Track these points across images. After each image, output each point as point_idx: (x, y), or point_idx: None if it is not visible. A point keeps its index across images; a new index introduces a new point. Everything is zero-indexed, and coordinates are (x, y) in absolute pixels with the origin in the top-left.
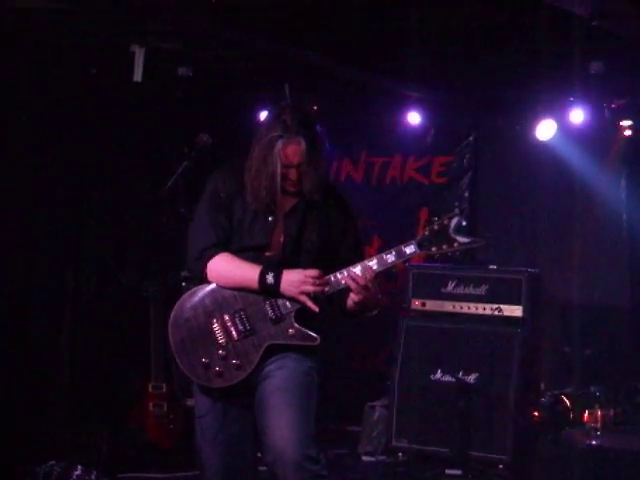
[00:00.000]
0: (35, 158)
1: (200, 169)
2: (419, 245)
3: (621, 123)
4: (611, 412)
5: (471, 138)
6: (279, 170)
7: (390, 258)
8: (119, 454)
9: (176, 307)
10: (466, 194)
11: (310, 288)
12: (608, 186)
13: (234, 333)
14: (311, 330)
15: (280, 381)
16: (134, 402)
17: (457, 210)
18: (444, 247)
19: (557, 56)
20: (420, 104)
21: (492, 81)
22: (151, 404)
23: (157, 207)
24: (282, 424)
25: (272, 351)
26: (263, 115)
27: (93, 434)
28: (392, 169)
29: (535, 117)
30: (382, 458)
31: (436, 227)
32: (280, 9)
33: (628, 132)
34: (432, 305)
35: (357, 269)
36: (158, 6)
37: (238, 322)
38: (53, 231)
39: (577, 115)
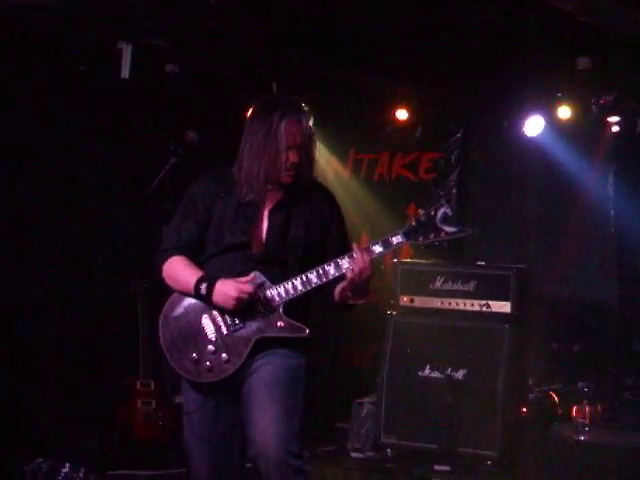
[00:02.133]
0: (21, 155)
1: (187, 166)
2: (406, 235)
3: (608, 119)
4: (599, 408)
5: (459, 134)
6: (284, 148)
7: (377, 249)
8: (107, 451)
9: (166, 305)
10: (454, 190)
11: (241, 301)
12: (596, 182)
13: (223, 328)
14: (300, 322)
15: (266, 377)
16: (122, 399)
17: (443, 201)
18: (431, 237)
19: (544, 52)
20: (408, 101)
21: (480, 77)
22: (139, 401)
23: (144, 204)
24: (265, 420)
25: (261, 346)
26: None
27: (81, 431)
28: (380, 166)
29: (523, 113)
30: (371, 454)
31: (423, 218)
32: (268, 8)
33: (615, 128)
34: (420, 301)
35: (335, 265)
36: (146, 3)
37: (227, 317)
38: (41, 228)
39: (564, 111)
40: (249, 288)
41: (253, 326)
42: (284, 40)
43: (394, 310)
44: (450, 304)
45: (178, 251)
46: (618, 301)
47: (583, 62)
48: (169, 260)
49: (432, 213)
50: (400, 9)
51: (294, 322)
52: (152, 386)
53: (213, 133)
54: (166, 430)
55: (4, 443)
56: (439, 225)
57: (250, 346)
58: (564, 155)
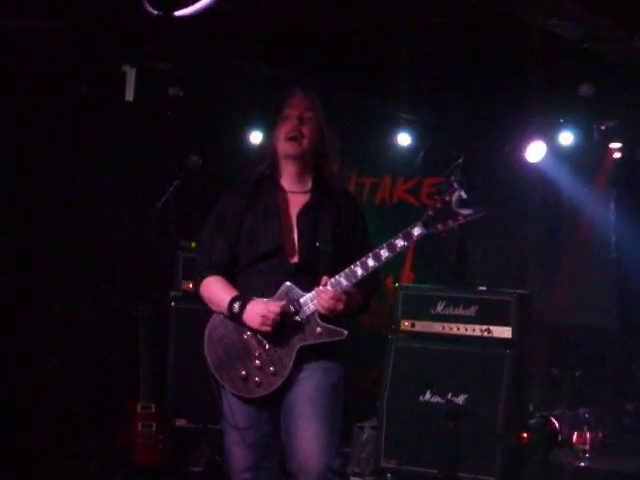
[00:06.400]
0: (25, 176)
1: (190, 189)
2: (425, 225)
3: (610, 145)
4: (600, 434)
5: (461, 160)
6: (284, 117)
7: (400, 243)
8: (108, 474)
9: (209, 326)
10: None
11: (269, 323)
12: (597, 208)
13: (266, 342)
14: (336, 326)
15: (309, 391)
16: (123, 422)
17: (456, 185)
18: (450, 222)
19: (547, 78)
20: (410, 125)
21: (482, 103)
22: (140, 424)
23: (147, 227)
24: (309, 435)
25: (303, 355)
26: (254, 136)
27: (81, 454)
28: (382, 190)
29: (525, 139)
30: (371, 479)
31: (438, 205)
32: (271, 31)
33: (617, 154)
34: (421, 326)
35: (362, 264)
36: (150, 27)
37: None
38: (42, 251)
39: (566, 137)
40: (276, 308)
41: (293, 336)
42: (288, 63)
43: (395, 334)
44: (451, 329)
45: (212, 271)
46: (619, 326)
47: (585, 88)
48: (204, 282)
49: (447, 199)
50: (404, 35)
51: (331, 326)
52: (153, 409)
53: (216, 157)
54: (166, 453)
55: (3, 465)
56: (455, 209)
57: (294, 356)
58: (566, 181)
